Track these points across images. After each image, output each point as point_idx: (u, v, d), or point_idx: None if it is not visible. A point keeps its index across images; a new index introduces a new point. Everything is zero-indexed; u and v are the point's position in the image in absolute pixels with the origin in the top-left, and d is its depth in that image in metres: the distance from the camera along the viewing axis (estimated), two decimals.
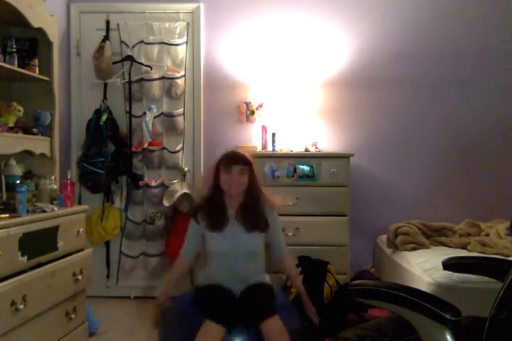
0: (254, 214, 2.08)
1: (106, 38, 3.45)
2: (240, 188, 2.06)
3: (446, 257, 1.82)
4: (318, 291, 2.79)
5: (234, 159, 2.06)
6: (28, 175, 2.57)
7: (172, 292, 2.16)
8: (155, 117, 3.41)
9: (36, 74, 2.60)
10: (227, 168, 2.04)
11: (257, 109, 3.45)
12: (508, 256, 2.60)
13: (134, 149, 3.38)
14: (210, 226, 2.07)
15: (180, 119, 3.45)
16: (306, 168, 3.09)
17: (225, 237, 2.06)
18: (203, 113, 3.55)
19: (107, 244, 3.54)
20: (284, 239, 2.25)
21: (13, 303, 1.91)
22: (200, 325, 1.83)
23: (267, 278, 2.18)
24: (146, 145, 3.38)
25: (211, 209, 2.09)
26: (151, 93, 3.41)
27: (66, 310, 2.41)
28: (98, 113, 3.35)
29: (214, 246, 2.08)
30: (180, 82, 3.44)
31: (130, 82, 3.38)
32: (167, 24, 3.48)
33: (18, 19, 2.40)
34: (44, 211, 2.29)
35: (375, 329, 1.50)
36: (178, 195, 3.21)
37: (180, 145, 3.48)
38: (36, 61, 2.62)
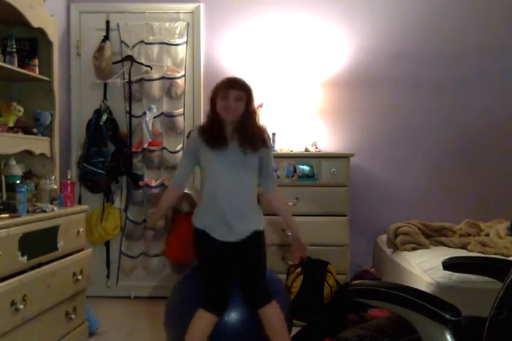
0: (249, 136, 2.05)
1: (106, 38, 3.45)
2: (236, 114, 2.04)
3: (446, 257, 1.82)
4: (318, 291, 2.79)
5: (231, 83, 2.04)
6: (28, 175, 2.57)
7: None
8: (155, 117, 3.41)
9: (36, 74, 2.60)
10: (224, 93, 2.02)
11: (257, 108, 3.44)
12: (508, 256, 2.60)
13: (134, 149, 3.38)
14: (208, 143, 2.04)
15: (180, 119, 3.46)
16: (306, 167, 3.09)
17: (223, 155, 2.04)
18: (203, 113, 3.55)
19: (107, 244, 3.54)
20: (274, 174, 2.23)
21: (13, 303, 1.91)
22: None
23: (262, 224, 2.14)
24: (146, 146, 3.38)
25: (209, 130, 2.07)
26: (151, 93, 3.41)
27: (66, 310, 2.41)
28: (98, 113, 3.35)
29: (212, 164, 2.07)
30: (180, 82, 3.44)
31: (130, 82, 3.38)
32: (167, 24, 3.48)
33: (18, 19, 2.40)
34: (44, 211, 2.29)
35: (375, 329, 1.50)
36: None
37: (180, 146, 3.48)
38: (36, 61, 2.62)
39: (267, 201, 2.23)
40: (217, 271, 2.03)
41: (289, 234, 2.26)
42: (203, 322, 1.95)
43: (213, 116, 2.08)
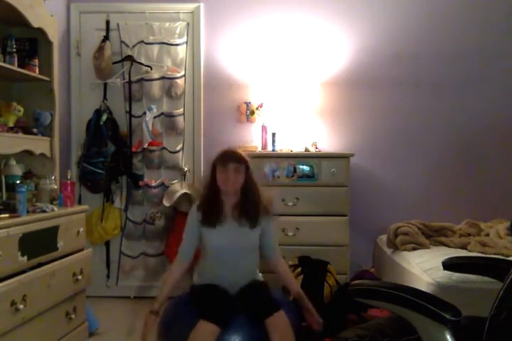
0: (250, 211, 2.08)
1: (106, 38, 3.45)
2: (236, 186, 2.06)
3: (446, 257, 1.82)
4: (318, 291, 2.79)
5: (229, 157, 2.07)
6: (28, 175, 2.57)
7: (170, 294, 2.13)
8: (155, 117, 3.41)
9: (36, 74, 2.60)
10: (223, 166, 2.05)
11: (257, 109, 3.45)
12: (508, 256, 2.60)
13: (134, 149, 3.38)
14: (207, 222, 2.07)
15: (180, 119, 3.45)
16: (306, 168, 3.09)
17: (221, 233, 2.07)
18: (203, 113, 3.55)
19: (107, 244, 3.54)
20: (277, 241, 2.24)
21: (13, 303, 1.91)
22: (195, 325, 1.85)
23: (260, 276, 2.21)
24: (146, 146, 3.38)
25: (208, 205, 2.10)
26: (151, 93, 3.41)
27: (66, 310, 2.41)
28: (98, 113, 3.35)
29: (211, 242, 2.08)
30: (180, 82, 3.44)
31: (130, 82, 3.38)
32: (167, 24, 3.48)
33: (18, 19, 2.40)
34: (44, 211, 2.29)
35: (375, 329, 1.50)
36: (178, 195, 3.21)
37: (180, 146, 3.48)
38: (36, 61, 2.61)
39: (273, 268, 2.23)
40: (213, 287, 2.04)
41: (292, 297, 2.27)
42: (203, 332, 1.84)
43: (212, 190, 2.10)
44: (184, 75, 3.47)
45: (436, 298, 1.23)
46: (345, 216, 3.08)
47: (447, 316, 1.15)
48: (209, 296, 1.99)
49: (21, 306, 1.94)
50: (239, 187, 2.08)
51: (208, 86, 3.55)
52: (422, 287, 2.34)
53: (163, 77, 3.42)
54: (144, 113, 3.35)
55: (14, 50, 2.46)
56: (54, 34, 2.69)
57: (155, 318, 2.02)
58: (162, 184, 3.43)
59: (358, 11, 3.50)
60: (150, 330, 2.01)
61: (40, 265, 2.18)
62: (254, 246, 2.14)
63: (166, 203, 3.22)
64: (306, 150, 3.32)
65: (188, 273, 2.21)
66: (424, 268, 2.50)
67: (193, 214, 2.13)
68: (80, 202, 3.37)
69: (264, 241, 2.17)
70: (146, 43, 3.43)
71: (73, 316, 2.45)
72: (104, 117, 3.31)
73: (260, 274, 2.22)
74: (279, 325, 1.89)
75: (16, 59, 2.46)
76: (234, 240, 2.07)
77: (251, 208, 2.09)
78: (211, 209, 2.09)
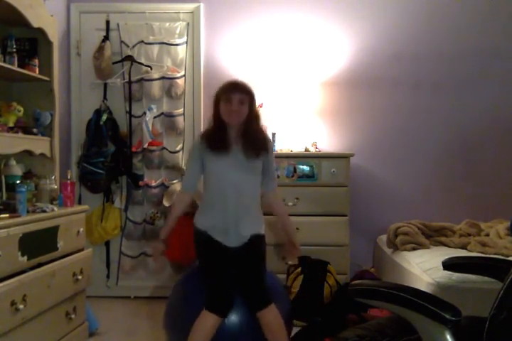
0: (253, 141, 2.06)
1: (106, 38, 3.45)
2: (240, 117, 2.04)
3: (446, 257, 1.82)
4: (318, 291, 2.79)
5: (234, 87, 2.04)
6: (28, 175, 2.57)
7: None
8: (155, 117, 3.41)
9: (36, 74, 2.60)
10: (226, 97, 2.02)
11: (258, 110, 3.44)
12: (508, 256, 2.60)
13: (134, 149, 3.38)
14: (213, 149, 2.04)
15: (180, 119, 3.45)
16: (306, 168, 3.09)
17: (225, 161, 2.04)
18: (203, 113, 3.55)
19: (107, 244, 3.54)
20: (275, 175, 2.24)
21: (13, 303, 1.91)
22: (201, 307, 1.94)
23: (263, 228, 2.16)
24: (146, 146, 3.38)
25: (213, 135, 2.08)
26: (151, 93, 3.41)
27: (66, 310, 2.41)
28: (98, 113, 3.35)
29: (216, 170, 2.07)
30: (180, 82, 3.44)
31: (130, 82, 3.38)
32: (167, 24, 3.48)
33: (18, 19, 2.40)
34: (44, 211, 2.29)
35: (375, 329, 1.50)
36: None
37: (180, 146, 3.48)
38: (36, 61, 2.62)
39: (266, 200, 2.23)
40: (219, 273, 2.03)
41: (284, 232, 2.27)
42: (206, 323, 1.93)
43: (216, 121, 2.08)
44: (184, 75, 3.47)
45: (436, 298, 1.23)
46: (345, 216, 3.08)
47: (447, 316, 1.15)
48: (215, 281, 2.01)
49: (21, 306, 1.94)
50: (243, 119, 2.05)
51: (208, 86, 3.55)
52: (422, 287, 2.34)
53: (163, 77, 3.42)
54: (144, 113, 3.35)
55: (14, 50, 2.46)
56: (54, 34, 2.69)
57: (163, 246, 2.17)
58: (162, 184, 3.43)
59: (358, 11, 3.50)
60: (159, 256, 2.21)
61: (40, 265, 2.18)
62: (257, 172, 2.11)
63: (166, 203, 3.22)
64: (306, 150, 3.32)
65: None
66: (424, 268, 2.50)
67: (196, 145, 2.11)
68: (80, 202, 3.37)
69: (264, 170, 2.14)
70: (146, 43, 3.43)
71: (73, 316, 2.45)
72: (104, 117, 3.31)
73: (263, 226, 2.17)
74: (270, 319, 1.97)
75: (15, 59, 2.46)
76: (238, 164, 2.04)
77: (254, 138, 2.07)
78: (216, 138, 2.06)
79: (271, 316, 1.97)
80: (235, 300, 1.99)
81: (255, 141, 2.07)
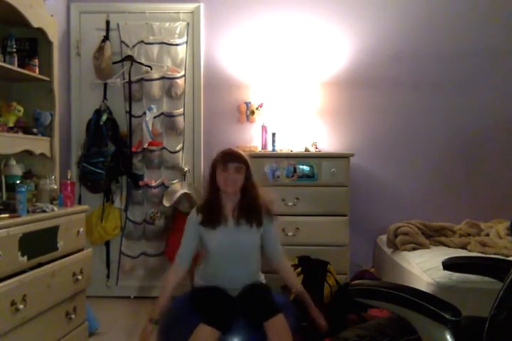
0: (250, 212, 2.08)
1: (106, 38, 3.45)
2: (236, 186, 2.06)
3: (446, 257, 1.82)
4: (318, 291, 2.79)
5: (229, 157, 2.07)
6: (28, 175, 2.57)
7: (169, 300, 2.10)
8: (155, 117, 3.42)
9: (36, 74, 2.59)
10: (223, 166, 2.05)
11: (257, 109, 3.45)
12: (508, 256, 2.60)
13: (134, 149, 3.38)
14: (207, 223, 2.06)
15: (180, 119, 3.46)
16: (306, 168, 3.09)
17: (221, 234, 2.06)
18: (203, 113, 3.55)
19: (107, 244, 3.54)
20: (279, 241, 2.23)
21: (13, 303, 1.90)
22: (195, 327, 1.84)
23: (262, 278, 2.19)
24: (146, 145, 3.38)
25: (208, 206, 2.10)
26: (151, 93, 3.41)
27: (66, 310, 2.40)
28: (98, 113, 3.35)
29: (211, 243, 2.07)
30: (180, 82, 3.44)
31: (130, 82, 3.38)
32: (167, 24, 3.48)
33: (18, 19, 2.40)
34: (44, 211, 2.28)
35: (375, 329, 1.50)
36: (178, 195, 3.21)
37: (180, 145, 3.48)
38: (36, 61, 2.61)
39: (277, 271, 2.22)
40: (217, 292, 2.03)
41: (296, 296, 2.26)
42: (202, 335, 1.83)
43: (212, 188, 2.10)
44: (184, 75, 3.47)
45: (436, 298, 1.23)
46: (345, 216, 3.07)
47: (447, 316, 1.15)
48: (210, 299, 1.97)
49: (21, 306, 1.94)
50: (239, 188, 2.08)
51: (208, 86, 3.55)
52: (422, 287, 2.34)
53: (163, 77, 3.42)
54: (144, 113, 3.35)
55: (14, 50, 2.45)
56: (54, 34, 2.69)
57: (153, 327, 1.99)
58: (162, 184, 3.43)
59: (358, 11, 3.50)
60: (147, 339, 1.98)
61: (40, 265, 2.18)
62: (254, 247, 2.12)
63: (166, 203, 3.22)
64: (306, 150, 3.32)
65: (188, 273, 2.20)
66: (424, 268, 2.50)
67: (193, 216, 2.12)
68: (80, 202, 3.37)
69: (266, 242, 2.16)
70: (146, 43, 3.43)
71: (73, 316, 2.45)
72: (104, 117, 3.31)
73: (262, 276, 2.20)
74: (278, 328, 1.88)
75: (15, 59, 2.46)
76: (234, 241, 2.06)
77: (251, 208, 2.08)
78: (211, 210, 2.08)
79: (279, 325, 1.88)
80: (235, 315, 1.92)
81: (252, 210, 2.08)
